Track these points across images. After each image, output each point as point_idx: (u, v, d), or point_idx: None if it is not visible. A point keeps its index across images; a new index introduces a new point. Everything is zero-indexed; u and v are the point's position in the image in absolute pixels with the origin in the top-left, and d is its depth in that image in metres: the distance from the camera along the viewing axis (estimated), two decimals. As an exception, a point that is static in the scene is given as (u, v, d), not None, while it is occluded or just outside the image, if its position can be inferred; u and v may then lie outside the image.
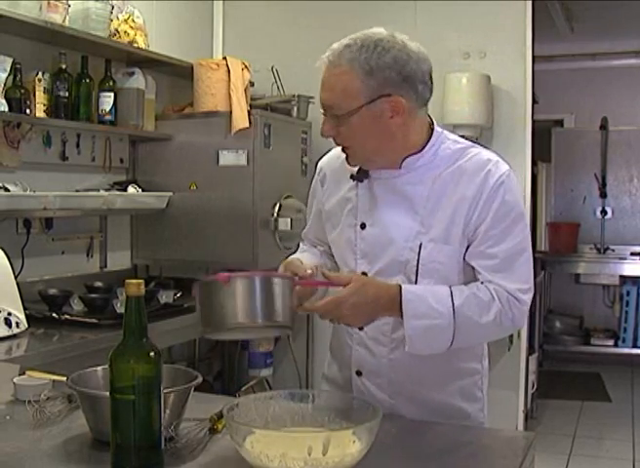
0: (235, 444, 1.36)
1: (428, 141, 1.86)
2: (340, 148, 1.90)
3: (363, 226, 1.89)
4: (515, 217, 1.80)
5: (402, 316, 1.74)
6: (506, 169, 1.82)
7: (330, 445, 1.32)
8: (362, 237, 1.89)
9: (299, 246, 2.19)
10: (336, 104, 1.76)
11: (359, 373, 1.93)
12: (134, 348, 1.33)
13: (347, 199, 1.94)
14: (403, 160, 1.85)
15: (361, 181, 1.90)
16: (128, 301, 1.34)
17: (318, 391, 1.66)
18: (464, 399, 1.93)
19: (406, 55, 1.77)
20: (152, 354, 1.33)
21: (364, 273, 1.87)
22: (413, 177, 1.84)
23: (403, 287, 1.75)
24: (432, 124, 1.89)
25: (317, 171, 2.09)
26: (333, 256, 2.04)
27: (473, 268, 1.82)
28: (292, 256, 1.97)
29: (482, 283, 1.79)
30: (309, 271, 1.79)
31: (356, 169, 1.91)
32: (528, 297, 1.81)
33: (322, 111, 1.82)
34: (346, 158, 1.87)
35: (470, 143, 1.90)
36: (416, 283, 1.81)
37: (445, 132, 1.91)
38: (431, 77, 1.85)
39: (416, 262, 1.81)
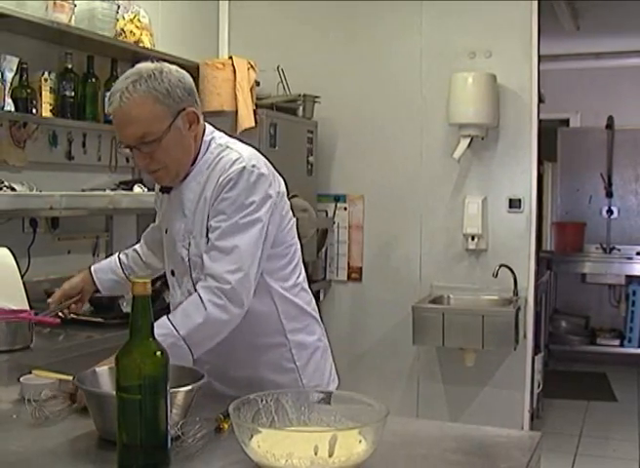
0: (241, 443, 1.36)
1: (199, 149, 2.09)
2: None
3: (166, 231, 2.15)
4: (235, 210, 1.96)
5: None
6: (241, 166, 1.98)
7: (336, 444, 1.32)
8: (165, 240, 2.17)
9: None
10: (147, 132, 1.92)
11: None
12: (140, 347, 1.33)
13: (158, 208, 2.26)
14: None
15: (166, 192, 2.14)
16: (134, 301, 1.34)
17: (324, 391, 1.66)
18: (274, 371, 2.11)
19: (179, 73, 1.99)
20: (159, 353, 1.34)
21: (172, 271, 2.15)
22: (185, 185, 2.07)
23: None
24: (204, 130, 2.10)
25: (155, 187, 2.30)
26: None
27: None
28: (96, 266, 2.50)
29: (201, 283, 1.97)
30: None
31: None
32: (234, 278, 1.92)
33: (128, 150, 1.98)
34: (157, 180, 2.10)
35: (230, 142, 2.11)
36: (191, 275, 2.05)
37: (215, 133, 2.13)
38: None
39: (187, 258, 2.06)
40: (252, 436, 1.36)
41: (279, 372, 2.12)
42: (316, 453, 1.32)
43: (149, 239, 2.46)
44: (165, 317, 1.92)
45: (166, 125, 1.94)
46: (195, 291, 1.97)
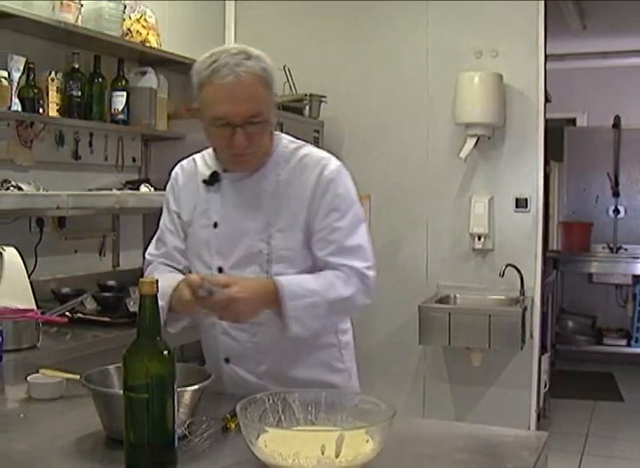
0: (248, 442, 1.36)
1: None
2: (194, 158, 2.17)
3: (216, 225, 2.05)
4: (346, 208, 2.01)
5: (279, 304, 1.89)
6: (338, 165, 2.05)
7: (343, 444, 1.32)
8: (215, 234, 2.05)
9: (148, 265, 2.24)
10: (260, 112, 1.90)
11: (227, 360, 2.09)
12: (147, 346, 1.33)
13: (199, 202, 2.10)
14: None
15: (212, 185, 2.07)
16: (141, 300, 1.34)
17: (331, 390, 1.66)
18: (326, 370, 2.10)
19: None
20: (166, 352, 1.34)
21: (220, 268, 2.04)
22: (258, 177, 2.03)
23: (275, 278, 1.93)
24: None
25: (173, 183, 2.21)
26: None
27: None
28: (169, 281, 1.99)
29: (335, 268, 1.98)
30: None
31: (207, 174, 2.08)
32: (372, 274, 2.00)
33: (226, 126, 1.89)
34: (240, 164, 2.01)
35: (302, 143, 2.11)
36: (269, 270, 2.00)
37: (279, 132, 2.11)
38: None
39: (267, 251, 2.00)
40: (259, 435, 1.36)
41: (332, 373, 2.12)
42: (323, 453, 1.32)
43: (172, 245, 2.18)
44: (297, 276, 1.96)
45: (270, 108, 1.94)
46: None
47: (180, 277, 2.00)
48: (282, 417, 1.49)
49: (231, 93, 1.87)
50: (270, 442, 1.34)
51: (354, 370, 2.21)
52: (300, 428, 1.48)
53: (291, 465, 1.30)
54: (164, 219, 2.21)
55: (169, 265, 2.18)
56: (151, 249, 2.24)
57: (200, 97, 1.95)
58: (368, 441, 1.36)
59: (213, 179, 2.07)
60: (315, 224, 1.99)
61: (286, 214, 2.00)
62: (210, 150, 2.13)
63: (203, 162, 2.15)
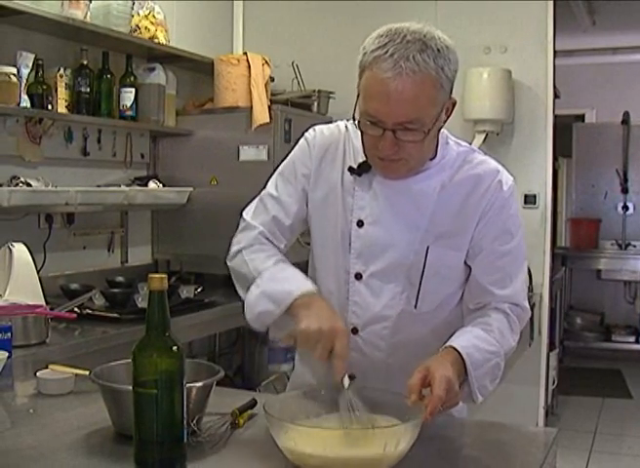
0: (276, 439, 1.35)
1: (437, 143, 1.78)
2: (338, 127, 1.85)
3: (360, 224, 1.77)
4: (518, 230, 1.79)
5: (464, 374, 1.64)
6: (512, 180, 1.80)
7: (373, 441, 1.32)
8: (359, 235, 1.77)
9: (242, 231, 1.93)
10: (418, 118, 1.59)
11: (351, 378, 1.64)
12: (156, 342, 1.33)
13: (340, 191, 1.80)
14: None
15: (360, 175, 1.77)
16: (151, 295, 1.34)
17: (355, 386, 1.57)
18: None
19: (456, 54, 1.64)
20: (175, 348, 1.34)
21: (358, 274, 1.77)
22: (420, 178, 1.74)
23: (455, 345, 1.64)
24: None
25: (309, 145, 1.87)
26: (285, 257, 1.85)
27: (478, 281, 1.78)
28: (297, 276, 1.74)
29: (494, 307, 1.76)
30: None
31: (355, 162, 1.79)
32: (527, 303, 1.81)
33: (376, 125, 1.61)
34: (388, 170, 1.71)
35: (469, 146, 1.84)
36: (419, 285, 1.74)
37: (444, 131, 1.80)
38: None
39: (422, 266, 1.74)
40: (287, 433, 1.34)
41: None
42: (350, 450, 1.32)
43: (290, 223, 1.87)
44: (470, 334, 1.69)
45: (436, 115, 1.62)
46: (416, 304, 1.75)
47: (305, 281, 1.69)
48: (309, 415, 1.49)
49: (387, 91, 1.55)
50: (299, 439, 1.33)
51: None
52: (327, 426, 1.46)
53: (318, 463, 1.31)
54: (276, 187, 1.88)
55: (267, 243, 1.86)
56: (248, 217, 1.91)
57: (360, 80, 1.64)
58: (400, 439, 1.34)
59: (363, 168, 1.76)
60: (484, 245, 1.75)
61: (450, 228, 1.74)
62: None
63: (350, 139, 1.82)
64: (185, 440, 1.36)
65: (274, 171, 1.94)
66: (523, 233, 1.82)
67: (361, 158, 1.77)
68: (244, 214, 1.93)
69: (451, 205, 1.74)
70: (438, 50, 1.58)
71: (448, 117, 1.70)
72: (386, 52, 1.56)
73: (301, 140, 1.90)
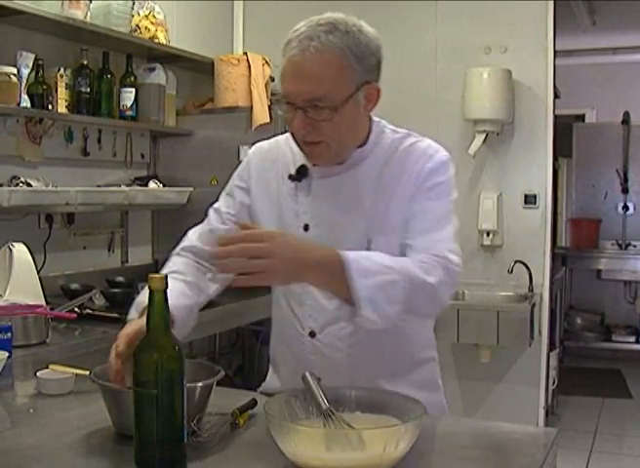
0: (277, 440, 1.34)
1: (369, 131, 1.80)
2: (277, 140, 1.90)
3: (307, 228, 1.79)
4: (442, 196, 1.76)
5: (346, 282, 1.51)
6: (445, 156, 1.81)
7: (373, 442, 1.31)
8: (306, 239, 1.75)
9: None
10: (325, 96, 1.63)
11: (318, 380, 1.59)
12: (157, 342, 1.33)
13: (286, 201, 1.83)
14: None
15: (299, 181, 1.80)
16: (151, 295, 1.34)
17: (356, 387, 1.58)
18: (426, 388, 1.89)
19: (377, 39, 1.71)
20: (175, 348, 1.34)
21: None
22: (357, 174, 1.77)
23: (338, 251, 1.55)
24: None
25: (249, 160, 1.94)
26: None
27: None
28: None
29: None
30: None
31: (293, 168, 1.82)
32: (458, 269, 1.68)
33: (289, 105, 1.67)
34: (311, 155, 1.75)
35: (407, 132, 1.85)
36: None
37: (382, 120, 1.85)
38: None
39: None
40: (289, 433, 1.33)
41: (431, 390, 1.93)
42: (352, 451, 1.30)
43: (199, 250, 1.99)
44: (384, 255, 1.60)
45: (347, 94, 1.65)
46: None
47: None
48: (310, 415, 1.48)
49: (293, 69, 1.64)
50: (300, 440, 1.31)
51: (442, 387, 2.00)
52: (329, 426, 1.44)
53: (320, 465, 1.30)
54: (219, 202, 1.97)
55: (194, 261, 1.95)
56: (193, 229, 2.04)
57: None
58: (399, 439, 1.33)
59: (301, 174, 1.80)
60: (410, 212, 1.73)
61: (386, 215, 1.73)
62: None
63: (289, 148, 1.86)
64: (185, 440, 1.36)
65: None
66: (452, 203, 1.78)
67: (300, 163, 1.81)
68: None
69: (387, 191, 1.75)
70: (347, 31, 1.65)
71: (374, 104, 1.75)
72: (295, 35, 1.66)
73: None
